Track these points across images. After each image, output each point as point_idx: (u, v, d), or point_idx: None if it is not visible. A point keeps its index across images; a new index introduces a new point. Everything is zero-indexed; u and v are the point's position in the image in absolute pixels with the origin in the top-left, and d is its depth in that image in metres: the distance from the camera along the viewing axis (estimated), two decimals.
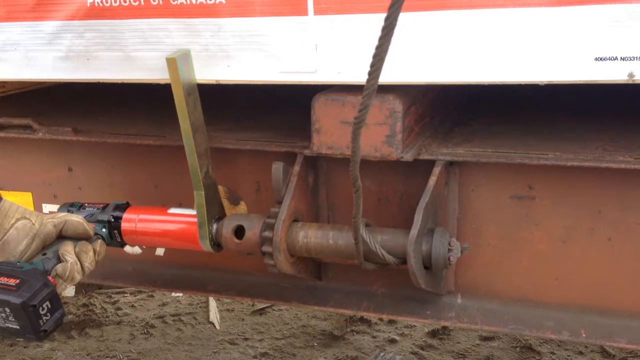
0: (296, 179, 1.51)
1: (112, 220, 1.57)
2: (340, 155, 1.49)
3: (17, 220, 1.39)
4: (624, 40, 1.21)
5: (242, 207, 1.74)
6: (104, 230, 1.56)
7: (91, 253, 1.41)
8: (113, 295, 4.08)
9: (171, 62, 1.41)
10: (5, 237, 1.37)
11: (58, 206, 1.64)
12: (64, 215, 1.44)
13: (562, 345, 3.50)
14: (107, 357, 3.47)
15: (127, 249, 1.86)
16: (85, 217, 1.48)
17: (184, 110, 1.43)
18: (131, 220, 1.57)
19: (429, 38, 1.33)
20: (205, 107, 1.52)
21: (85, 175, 1.87)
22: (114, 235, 1.57)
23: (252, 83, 1.50)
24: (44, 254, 1.38)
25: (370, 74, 0.97)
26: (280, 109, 2.02)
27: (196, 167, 1.48)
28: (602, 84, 1.29)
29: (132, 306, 3.98)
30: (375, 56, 0.94)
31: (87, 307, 3.95)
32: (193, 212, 1.54)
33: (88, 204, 1.60)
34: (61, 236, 1.43)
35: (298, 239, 1.47)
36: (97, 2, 1.51)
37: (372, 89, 0.98)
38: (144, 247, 1.85)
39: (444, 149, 1.52)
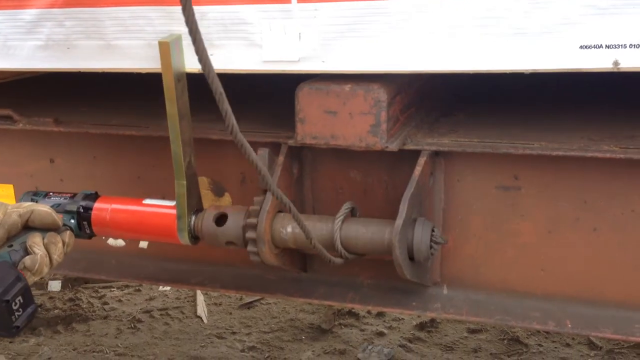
0: (280, 169, 1.49)
1: (82, 210, 1.50)
2: (325, 145, 1.48)
3: None
4: (609, 28, 1.20)
5: (227, 198, 1.72)
6: (72, 221, 1.49)
7: (60, 245, 1.35)
8: (100, 290, 4.06)
9: (163, 46, 1.38)
10: None
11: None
12: (30, 205, 1.37)
13: (549, 337, 3.52)
14: (94, 351, 3.45)
15: (110, 241, 1.83)
16: (51, 207, 1.41)
17: (173, 96, 1.40)
18: (103, 211, 1.51)
19: (415, 26, 1.32)
20: (189, 97, 1.50)
21: (68, 167, 1.84)
22: (82, 226, 1.51)
23: (235, 72, 1.48)
24: (10, 246, 1.31)
25: (207, 78, 0.94)
26: (264, 99, 2.00)
27: (180, 155, 1.45)
28: (586, 73, 1.28)
29: (119, 300, 3.96)
30: (200, 61, 0.92)
31: (74, 301, 3.93)
32: (169, 203, 1.50)
33: (53, 192, 1.53)
34: (27, 227, 1.36)
35: (282, 230, 1.46)
36: None
37: (220, 92, 0.97)
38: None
39: (430, 139, 1.51)
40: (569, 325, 1.47)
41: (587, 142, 1.43)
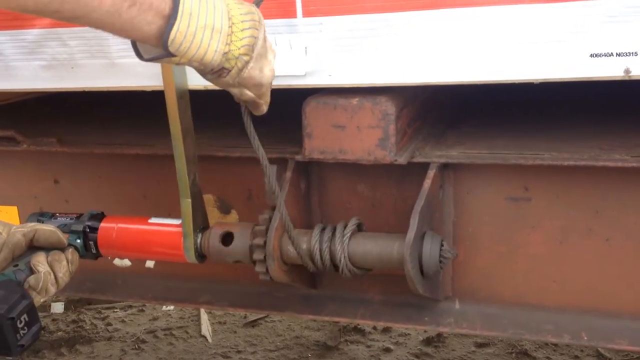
0: (288, 185, 1.48)
1: (88, 230, 1.49)
2: (333, 160, 1.46)
3: None
4: (619, 36, 1.19)
5: (234, 216, 1.71)
6: (78, 241, 1.48)
7: (64, 262, 1.33)
8: (103, 311, 4.02)
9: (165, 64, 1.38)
10: None
11: None
12: (34, 225, 1.37)
13: (557, 350, 3.48)
14: None
15: (116, 261, 1.82)
16: (57, 227, 1.40)
17: (175, 114, 1.39)
18: (109, 230, 1.49)
19: (422, 38, 1.31)
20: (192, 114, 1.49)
21: (72, 187, 1.83)
22: (89, 246, 1.49)
23: None
24: (16, 266, 1.30)
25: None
26: (270, 114, 1.98)
27: (184, 173, 1.44)
28: (595, 81, 1.27)
29: (123, 321, 3.92)
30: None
31: (77, 323, 3.89)
32: (175, 221, 1.49)
33: (59, 213, 1.52)
34: (32, 247, 1.35)
35: (290, 247, 1.44)
36: None
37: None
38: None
39: (438, 152, 1.49)
40: (585, 338, 1.45)
41: (597, 151, 1.42)
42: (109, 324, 3.89)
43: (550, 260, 1.49)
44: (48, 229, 1.36)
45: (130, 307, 4.06)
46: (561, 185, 1.45)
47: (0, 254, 1.31)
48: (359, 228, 1.46)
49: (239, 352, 3.57)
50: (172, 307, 4.04)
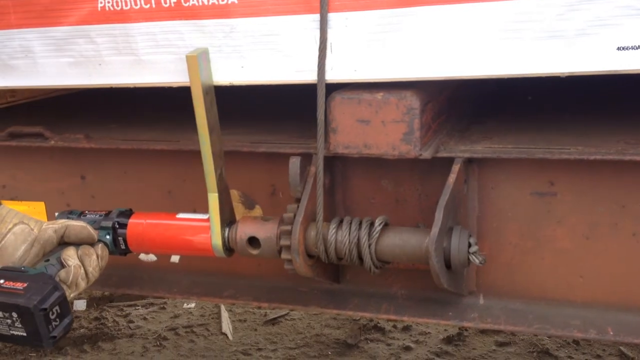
0: (312, 179, 1.48)
1: (117, 226, 1.51)
2: (358, 155, 1.47)
3: (15, 225, 1.35)
4: None
5: (258, 211, 1.72)
6: (107, 237, 1.49)
7: (94, 257, 1.36)
8: (125, 308, 4.06)
9: (191, 60, 1.40)
10: (3, 243, 1.33)
11: None
12: (65, 221, 1.40)
13: (579, 349, 3.46)
14: None
15: (142, 256, 1.83)
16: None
17: (202, 109, 1.40)
18: (138, 226, 1.51)
19: (446, 31, 1.31)
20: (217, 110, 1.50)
21: (99, 183, 1.85)
22: (118, 242, 1.51)
23: (266, 83, 1.48)
24: (47, 261, 1.33)
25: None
26: (295, 109, 1.99)
27: (211, 168, 1.45)
28: (620, 75, 1.26)
29: (144, 319, 3.95)
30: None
31: (99, 320, 3.93)
32: (202, 216, 1.50)
33: (89, 211, 1.54)
34: (63, 243, 1.38)
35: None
36: (108, 6, 1.50)
37: None
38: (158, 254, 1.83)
39: (462, 146, 1.49)
40: (611, 333, 1.44)
41: (623, 145, 1.41)
42: (131, 322, 3.92)
43: (576, 255, 1.49)
44: (79, 225, 1.38)
45: (152, 304, 4.10)
46: (587, 180, 1.44)
47: (32, 249, 1.34)
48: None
49: (259, 349, 3.59)
50: (193, 305, 4.06)
